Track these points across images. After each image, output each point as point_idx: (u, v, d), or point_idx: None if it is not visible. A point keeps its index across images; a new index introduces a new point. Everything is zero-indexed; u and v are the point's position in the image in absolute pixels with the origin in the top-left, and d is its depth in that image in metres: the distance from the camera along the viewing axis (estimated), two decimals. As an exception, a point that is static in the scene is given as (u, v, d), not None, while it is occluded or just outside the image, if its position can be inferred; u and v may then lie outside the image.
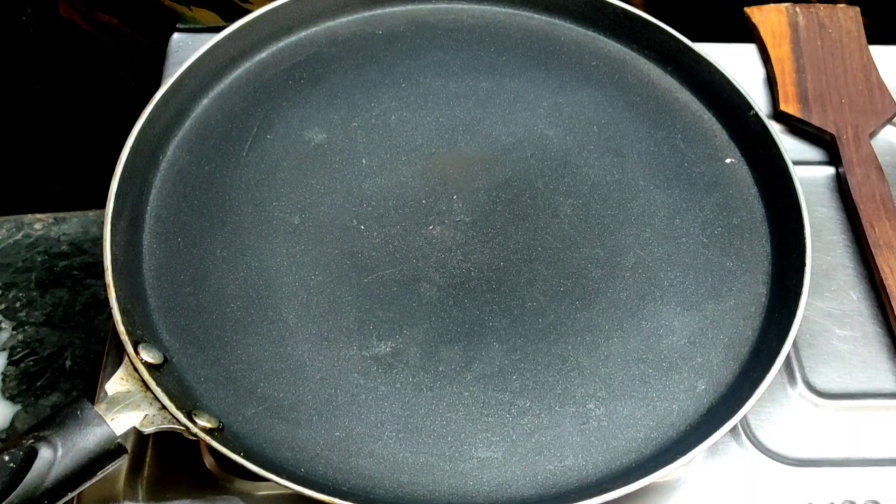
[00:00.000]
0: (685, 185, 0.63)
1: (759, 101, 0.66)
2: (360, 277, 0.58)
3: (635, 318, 0.57)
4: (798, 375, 0.60)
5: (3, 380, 0.85)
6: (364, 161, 0.63)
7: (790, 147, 0.66)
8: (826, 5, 0.79)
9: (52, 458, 0.44)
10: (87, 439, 0.45)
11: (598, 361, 0.56)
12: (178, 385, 0.52)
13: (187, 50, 0.69)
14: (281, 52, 0.68)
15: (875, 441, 0.57)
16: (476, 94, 0.66)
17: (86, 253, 0.93)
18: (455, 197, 0.62)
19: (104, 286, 0.52)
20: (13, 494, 0.43)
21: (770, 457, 0.56)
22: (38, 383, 0.84)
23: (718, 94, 0.67)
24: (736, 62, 0.71)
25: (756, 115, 0.64)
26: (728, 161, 0.65)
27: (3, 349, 0.87)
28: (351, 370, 0.54)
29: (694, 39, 0.68)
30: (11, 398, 0.84)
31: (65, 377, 0.85)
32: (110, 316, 0.52)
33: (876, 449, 0.57)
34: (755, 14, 0.78)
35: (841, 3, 0.80)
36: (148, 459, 0.54)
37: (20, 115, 0.93)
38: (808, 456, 0.57)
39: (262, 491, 0.53)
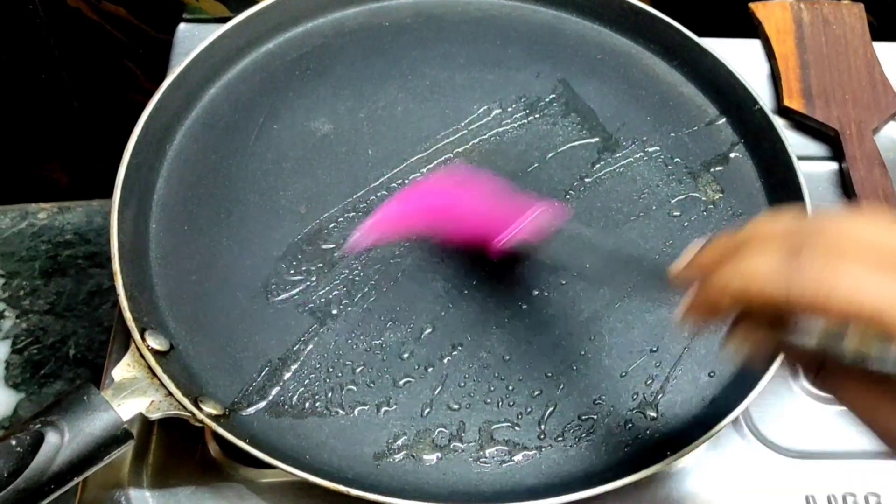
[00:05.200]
0: (689, 178, 0.64)
1: (763, 96, 0.66)
2: (366, 267, 0.58)
3: (639, 310, 0.58)
4: (800, 368, 0.60)
5: (6, 368, 0.85)
6: (370, 152, 0.63)
7: (794, 142, 0.66)
8: (830, 2, 0.79)
9: (59, 443, 0.45)
10: (93, 424, 0.46)
11: (602, 352, 0.56)
12: (184, 372, 0.52)
13: (194, 40, 0.69)
14: (288, 42, 0.68)
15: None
16: (482, 86, 0.67)
17: (90, 242, 0.94)
18: (460, 188, 0.62)
19: (108, 275, 0.53)
20: (20, 478, 0.43)
21: (771, 449, 0.57)
22: (42, 371, 0.85)
23: (723, 88, 0.67)
24: (741, 57, 0.71)
25: (760, 110, 0.64)
26: (732, 155, 0.65)
27: (7, 337, 0.87)
28: (356, 359, 0.55)
29: (699, 34, 0.68)
30: (15, 386, 0.84)
31: (68, 365, 0.85)
32: (116, 303, 0.52)
33: (876, 442, 0.57)
34: (760, 10, 0.78)
35: (845, 0, 0.80)
36: (153, 446, 0.55)
37: (26, 104, 0.93)
38: (810, 448, 0.57)
39: (266, 479, 0.54)
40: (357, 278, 0.57)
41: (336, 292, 0.57)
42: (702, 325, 0.40)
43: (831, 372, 0.37)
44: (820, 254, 0.34)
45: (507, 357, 0.55)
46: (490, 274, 0.58)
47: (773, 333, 0.37)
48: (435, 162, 0.63)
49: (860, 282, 0.33)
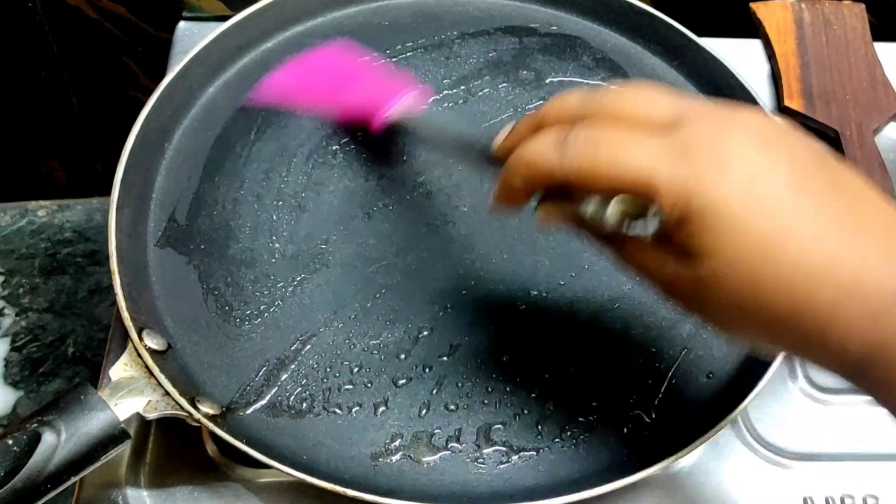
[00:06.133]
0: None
1: (763, 96, 0.66)
2: (364, 267, 0.58)
3: (637, 312, 0.58)
4: (798, 370, 0.60)
5: (5, 366, 0.85)
6: (370, 151, 0.63)
7: (794, 143, 0.66)
8: (831, 2, 0.79)
9: (56, 443, 0.45)
10: (90, 424, 0.46)
11: (600, 353, 0.56)
12: (182, 372, 0.52)
13: (193, 39, 0.69)
14: (287, 41, 0.68)
15: (874, 436, 0.58)
16: (482, 88, 0.66)
17: (89, 240, 0.94)
18: (460, 188, 0.62)
19: (107, 273, 0.53)
20: (16, 478, 0.43)
21: (770, 450, 0.56)
22: (41, 370, 0.85)
23: (723, 89, 0.67)
24: (741, 58, 0.71)
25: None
26: (732, 156, 0.65)
27: (6, 335, 0.88)
28: (353, 359, 0.55)
29: (700, 34, 0.68)
30: (14, 384, 0.84)
31: (67, 364, 0.85)
32: (114, 303, 0.52)
33: (875, 444, 0.57)
34: (761, 10, 0.78)
35: (846, 0, 0.80)
36: (150, 446, 0.54)
37: (26, 101, 0.93)
38: (808, 450, 0.57)
39: (264, 478, 0.54)
40: (355, 278, 0.57)
41: (334, 292, 0.57)
42: (509, 209, 0.43)
43: (618, 244, 0.40)
44: (592, 126, 0.37)
45: (505, 358, 0.55)
46: (488, 275, 0.58)
47: (567, 206, 0.40)
48: (435, 162, 0.63)
49: (618, 152, 0.36)
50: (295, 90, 0.62)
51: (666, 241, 0.37)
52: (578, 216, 0.40)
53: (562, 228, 0.42)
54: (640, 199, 0.36)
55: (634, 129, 0.37)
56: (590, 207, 0.38)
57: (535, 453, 0.52)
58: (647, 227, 0.37)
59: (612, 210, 0.37)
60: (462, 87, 0.67)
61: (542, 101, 0.66)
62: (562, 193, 0.40)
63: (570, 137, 0.37)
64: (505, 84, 0.67)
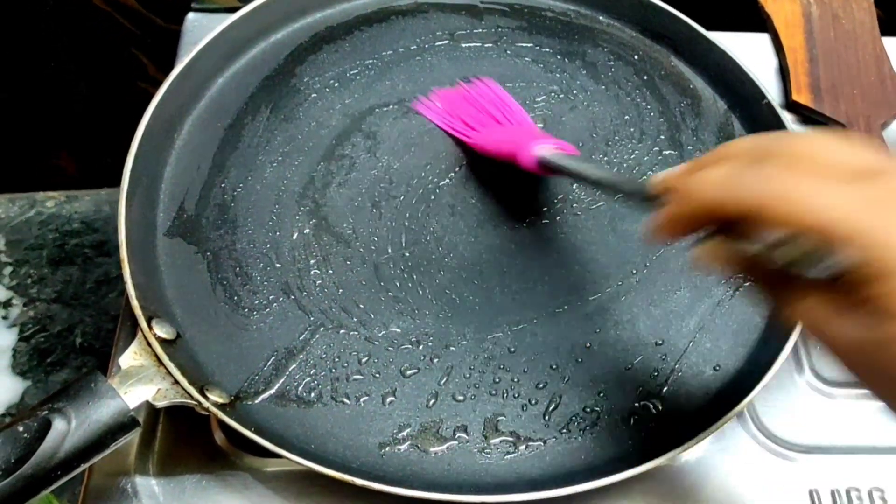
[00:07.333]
0: (696, 172, 0.64)
1: (771, 90, 0.66)
2: (373, 259, 0.58)
3: (645, 304, 0.58)
4: (805, 363, 0.60)
5: (13, 355, 0.85)
6: (379, 143, 0.63)
7: (802, 137, 0.66)
8: (840, -4, 0.79)
9: (66, 430, 0.45)
10: (100, 411, 0.46)
11: (607, 345, 0.56)
12: (191, 360, 0.53)
13: (202, 30, 0.69)
14: (296, 32, 0.68)
15: (880, 429, 0.58)
16: (492, 79, 0.66)
17: (97, 231, 0.94)
18: (468, 181, 0.62)
19: (115, 264, 0.53)
20: (27, 465, 0.44)
21: (776, 443, 0.57)
22: (49, 360, 0.85)
23: (732, 82, 0.67)
24: (749, 51, 0.71)
25: (769, 105, 0.64)
26: (740, 149, 0.65)
27: (14, 325, 0.88)
28: (362, 349, 0.55)
29: (708, 28, 0.68)
30: (22, 374, 0.84)
31: (74, 354, 0.85)
32: (123, 292, 0.52)
33: (881, 437, 0.57)
34: (769, 4, 0.78)
35: (855, -6, 0.80)
36: (159, 434, 0.55)
37: (34, 92, 0.93)
38: (814, 443, 0.57)
39: (271, 467, 0.54)
40: (362, 269, 0.58)
41: (342, 282, 0.57)
42: (667, 239, 0.41)
43: (785, 290, 0.38)
44: (774, 164, 0.35)
45: (513, 349, 0.56)
46: (495, 265, 0.58)
47: (731, 245, 0.38)
48: (444, 154, 0.63)
49: (806, 191, 0.34)
50: (453, 112, 0.64)
51: (841, 291, 0.34)
52: (743, 256, 0.38)
53: (719, 270, 0.40)
54: (819, 245, 0.34)
55: (823, 172, 0.34)
56: (757, 247, 0.37)
57: (541, 444, 0.53)
58: (824, 271, 0.35)
59: (784, 252, 0.35)
60: (470, 82, 0.67)
61: (550, 95, 0.66)
62: (723, 232, 0.38)
63: (753, 170, 0.36)
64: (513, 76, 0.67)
